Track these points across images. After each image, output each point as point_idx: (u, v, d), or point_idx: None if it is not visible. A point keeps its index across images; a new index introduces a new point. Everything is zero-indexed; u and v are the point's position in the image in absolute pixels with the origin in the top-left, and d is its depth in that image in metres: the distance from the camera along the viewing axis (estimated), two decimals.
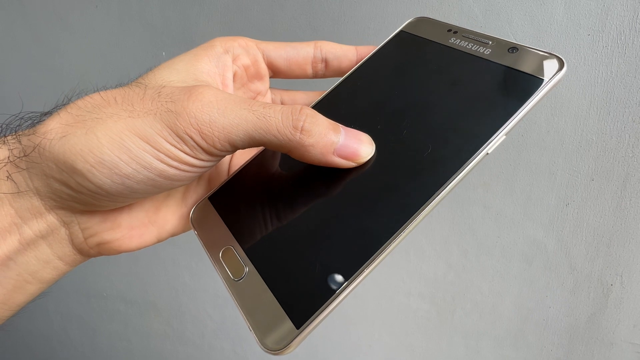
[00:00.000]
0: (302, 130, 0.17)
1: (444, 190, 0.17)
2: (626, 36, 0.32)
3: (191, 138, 0.16)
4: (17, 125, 0.18)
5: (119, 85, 0.19)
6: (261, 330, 0.16)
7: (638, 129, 0.34)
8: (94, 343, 0.74)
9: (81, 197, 0.17)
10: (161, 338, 0.68)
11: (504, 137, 0.17)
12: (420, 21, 0.24)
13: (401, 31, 0.24)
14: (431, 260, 0.46)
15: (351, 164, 0.18)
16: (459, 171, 0.17)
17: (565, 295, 0.43)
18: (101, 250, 0.19)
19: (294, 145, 0.17)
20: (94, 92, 0.18)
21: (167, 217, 0.21)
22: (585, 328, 0.43)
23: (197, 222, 0.21)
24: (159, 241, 0.21)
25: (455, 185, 0.17)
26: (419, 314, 0.50)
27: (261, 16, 0.42)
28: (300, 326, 0.15)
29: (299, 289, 0.16)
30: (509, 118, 0.17)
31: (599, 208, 0.38)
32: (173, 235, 0.21)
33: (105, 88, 0.18)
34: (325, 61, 0.23)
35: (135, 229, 0.20)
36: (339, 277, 0.16)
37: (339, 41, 0.41)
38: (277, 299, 0.17)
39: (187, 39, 0.46)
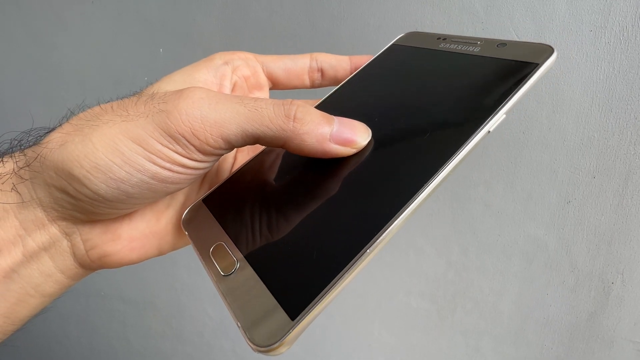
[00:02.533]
0: (294, 118, 0.17)
1: (448, 168, 0.16)
2: (629, 32, 0.32)
3: (183, 136, 0.16)
4: (25, 141, 0.18)
5: (121, 98, 0.19)
6: (251, 325, 0.14)
7: None
8: (92, 342, 0.73)
9: (81, 204, 0.17)
10: (160, 337, 0.68)
11: (504, 116, 0.17)
12: (411, 35, 0.25)
13: (393, 44, 0.25)
14: (431, 258, 0.46)
15: (350, 151, 0.18)
16: (462, 148, 0.17)
17: (566, 294, 0.42)
18: (103, 263, 0.19)
19: (289, 135, 0.17)
20: (97, 105, 0.18)
21: (167, 228, 0.21)
22: (585, 326, 0.43)
23: (189, 223, 0.20)
24: (160, 254, 0.21)
25: (459, 163, 0.17)
26: (419, 313, 0.50)
27: (260, 13, 0.41)
28: (296, 317, 0.14)
29: (294, 278, 0.15)
30: (508, 97, 0.18)
31: (600, 206, 0.38)
32: (175, 248, 0.21)
33: (108, 100, 0.19)
34: (321, 71, 0.24)
35: (136, 240, 0.20)
36: (339, 261, 0.15)
37: (338, 37, 0.40)
38: (269, 289, 0.15)
39: (185, 36, 0.45)
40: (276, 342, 0.13)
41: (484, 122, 0.17)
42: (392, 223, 0.15)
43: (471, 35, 0.22)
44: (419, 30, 0.36)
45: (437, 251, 0.46)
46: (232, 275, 0.17)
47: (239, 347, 0.64)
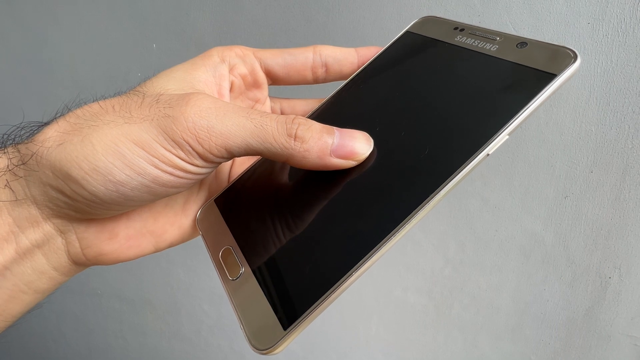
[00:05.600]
0: (296, 137, 0.17)
1: (439, 194, 0.16)
2: (627, 24, 0.32)
3: (187, 143, 0.16)
4: (18, 136, 0.18)
5: (118, 93, 0.19)
6: (251, 329, 0.16)
7: (638, 119, 0.34)
8: (89, 341, 0.73)
9: (77, 204, 0.17)
10: (157, 335, 0.68)
11: (507, 137, 0.16)
12: (427, 21, 0.23)
13: (407, 32, 0.23)
14: (428, 254, 0.46)
15: (351, 163, 0.18)
16: (455, 173, 0.16)
17: (563, 289, 0.42)
18: (98, 261, 0.19)
19: (291, 153, 0.17)
20: (94, 101, 0.18)
21: (165, 227, 0.21)
22: (583, 321, 0.43)
23: (202, 223, 0.21)
24: (156, 251, 0.21)
25: (452, 188, 0.16)
26: (416, 309, 0.49)
27: (254, 6, 0.41)
28: (287, 327, 0.16)
29: (289, 291, 0.17)
30: (512, 117, 0.16)
31: (597, 200, 0.38)
32: (171, 245, 0.21)
33: (103, 96, 0.19)
34: (326, 66, 0.23)
35: (133, 239, 0.20)
36: (328, 280, 0.16)
37: (334, 31, 0.40)
38: (267, 299, 0.17)
39: (178, 31, 0.45)
40: (270, 347, 0.16)
41: (484, 144, 0.16)
42: (380, 247, 0.16)
43: (491, 29, 0.20)
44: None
45: (434, 247, 0.45)
46: (237, 280, 0.18)
47: (237, 345, 0.64)
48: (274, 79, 0.24)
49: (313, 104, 0.24)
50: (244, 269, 0.18)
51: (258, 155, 0.18)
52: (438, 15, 0.23)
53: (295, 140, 0.17)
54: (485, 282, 0.45)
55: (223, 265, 0.19)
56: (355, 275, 0.16)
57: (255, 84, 0.23)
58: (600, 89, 0.34)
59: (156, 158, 0.16)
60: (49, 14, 0.48)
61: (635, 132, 0.34)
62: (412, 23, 0.24)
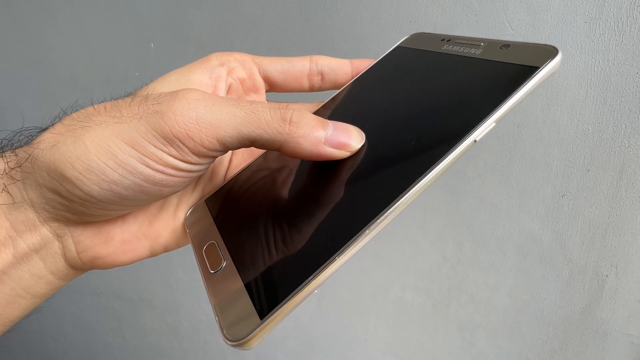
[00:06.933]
0: (290, 121, 0.17)
1: (427, 177, 0.16)
2: (623, 23, 0.32)
3: (177, 138, 0.16)
4: (17, 141, 0.18)
5: (115, 98, 0.19)
6: (227, 321, 0.16)
7: (634, 118, 0.34)
8: (88, 340, 0.73)
9: (73, 205, 0.17)
10: (156, 334, 0.68)
11: (494, 124, 0.17)
12: (416, 36, 0.25)
13: (397, 46, 0.25)
14: (426, 253, 0.46)
15: (344, 154, 0.18)
16: (443, 157, 0.16)
17: (561, 287, 0.43)
18: (94, 265, 0.19)
19: (285, 138, 0.17)
20: (91, 104, 0.18)
21: (160, 230, 0.21)
22: (580, 319, 0.43)
23: (190, 222, 0.21)
24: (152, 255, 0.21)
25: (441, 172, 0.16)
26: (414, 307, 0.50)
27: (252, 5, 0.41)
28: (264, 316, 0.15)
29: (269, 281, 0.17)
30: (498, 105, 0.17)
31: (594, 199, 0.38)
32: (166, 250, 0.21)
33: (100, 100, 0.19)
34: (322, 74, 0.24)
35: (128, 243, 0.20)
36: (306, 269, 0.16)
37: (331, 30, 0.40)
38: (247, 290, 0.17)
39: (176, 30, 0.44)
40: (245, 338, 0.15)
41: (470, 131, 0.17)
42: (361, 236, 0.16)
43: (476, 37, 0.21)
44: (420, 26, 0.36)
45: (431, 245, 0.45)
46: (218, 272, 0.18)
47: None
48: (271, 85, 0.24)
49: (311, 108, 0.25)
50: (226, 263, 0.18)
51: (251, 145, 0.18)
52: (426, 32, 0.25)
53: (290, 124, 0.17)
54: (483, 280, 0.45)
55: (205, 259, 0.19)
56: (337, 262, 0.15)
57: (253, 89, 0.23)
58: (597, 88, 0.34)
59: (147, 157, 0.16)
60: (47, 16, 0.48)
61: (631, 130, 0.34)
62: (402, 39, 0.25)
